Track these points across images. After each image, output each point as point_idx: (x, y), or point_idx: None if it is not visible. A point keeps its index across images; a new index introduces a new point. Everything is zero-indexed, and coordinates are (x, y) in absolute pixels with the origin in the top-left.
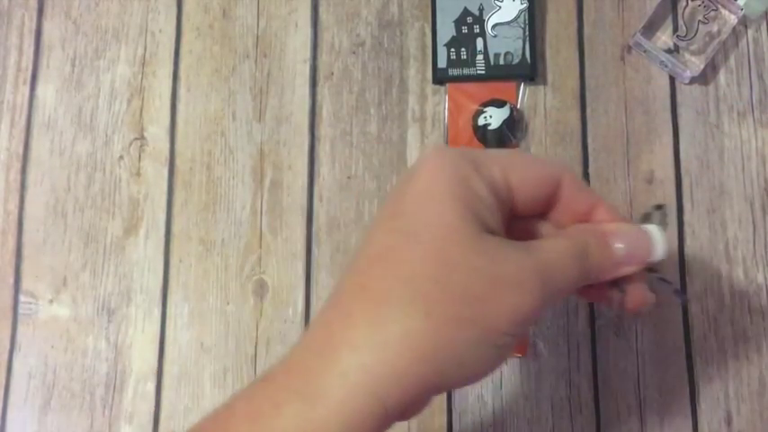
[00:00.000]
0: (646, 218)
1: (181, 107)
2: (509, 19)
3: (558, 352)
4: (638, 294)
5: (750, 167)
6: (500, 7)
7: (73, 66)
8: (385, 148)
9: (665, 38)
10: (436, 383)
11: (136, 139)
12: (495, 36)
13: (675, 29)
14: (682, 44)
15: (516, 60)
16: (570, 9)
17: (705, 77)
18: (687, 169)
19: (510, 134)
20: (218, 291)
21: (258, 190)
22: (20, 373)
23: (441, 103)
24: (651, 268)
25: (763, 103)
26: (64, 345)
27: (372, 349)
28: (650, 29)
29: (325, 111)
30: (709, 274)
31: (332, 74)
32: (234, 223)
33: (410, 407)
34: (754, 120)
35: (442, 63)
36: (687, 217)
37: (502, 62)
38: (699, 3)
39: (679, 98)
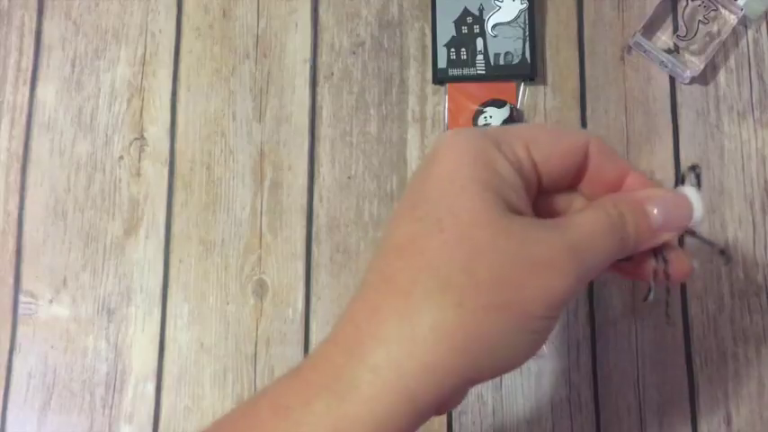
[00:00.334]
0: (680, 181)
1: (181, 107)
2: (509, 19)
3: (558, 352)
4: (681, 262)
5: (750, 167)
6: (500, 7)
7: (73, 66)
8: (385, 148)
9: (665, 38)
10: (471, 376)
11: (136, 139)
12: (495, 36)
13: (675, 29)
14: (682, 44)
15: (516, 60)
16: (570, 9)
17: (705, 77)
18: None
19: None
20: (218, 291)
21: (258, 190)
22: (20, 373)
23: (441, 103)
24: (690, 231)
25: (763, 103)
26: (64, 345)
27: (402, 344)
28: (650, 29)
29: (325, 111)
30: (709, 274)
31: (332, 74)
32: (234, 223)
33: (445, 401)
34: (754, 120)
35: (442, 63)
36: None
37: (502, 62)
38: (699, 3)
39: (679, 98)
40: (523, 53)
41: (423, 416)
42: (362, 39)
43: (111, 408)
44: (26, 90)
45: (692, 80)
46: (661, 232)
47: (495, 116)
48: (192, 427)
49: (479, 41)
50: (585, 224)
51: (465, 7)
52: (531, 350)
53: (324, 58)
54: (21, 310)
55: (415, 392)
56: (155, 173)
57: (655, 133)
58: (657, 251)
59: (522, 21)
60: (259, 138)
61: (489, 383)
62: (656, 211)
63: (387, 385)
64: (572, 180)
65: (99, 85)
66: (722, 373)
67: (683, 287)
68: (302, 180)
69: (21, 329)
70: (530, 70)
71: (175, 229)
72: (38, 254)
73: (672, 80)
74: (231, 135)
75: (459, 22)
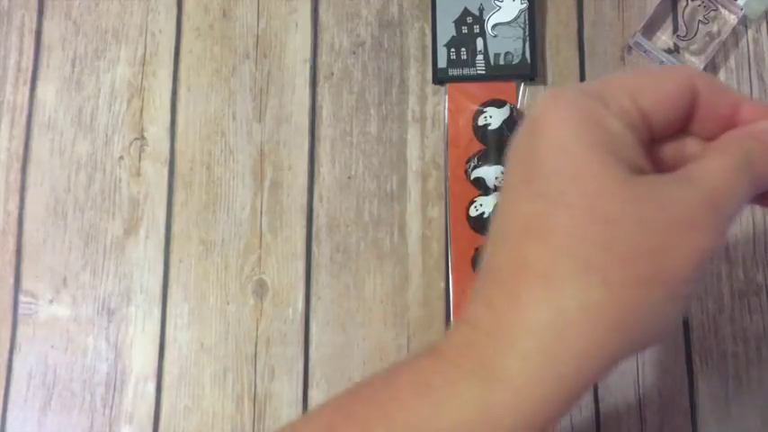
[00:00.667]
0: None
1: (181, 107)
2: (509, 19)
3: None
4: None
5: None
6: (500, 7)
7: (73, 66)
8: (385, 148)
9: (665, 38)
10: (623, 353)
11: (136, 139)
12: (495, 36)
13: (675, 29)
14: (682, 44)
15: (516, 60)
16: (570, 9)
17: None
18: None
19: (510, 134)
20: (218, 291)
21: (258, 190)
22: (20, 373)
23: (441, 103)
24: None
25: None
26: (64, 345)
27: (552, 330)
28: (650, 29)
29: (326, 111)
30: (709, 274)
31: (332, 74)
32: (234, 223)
33: (596, 381)
34: None
35: (442, 63)
36: None
37: (502, 62)
38: (699, 3)
39: None
40: (523, 53)
41: (572, 401)
42: (362, 39)
43: (112, 408)
44: (26, 90)
45: None
46: None
47: (495, 116)
48: (192, 427)
49: (479, 41)
50: (714, 171)
51: (465, 7)
52: (680, 316)
53: (324, 58)
54: (21, 310)
55: (568, 379)
56: (155, 173)
57: None
58: None
59: (522, 21)
60: (259, 138)
61: None
62: None
63: (540, 374)
64: (684, 122)
65: (99, 85)
66: (722, 373)
67: None
68: (302, 180)
69: (21, 329)
70: (530, 70)
71: (175, 228)
72: (38, 254)
73: None
74: (231, 135)
75: (459, 22)
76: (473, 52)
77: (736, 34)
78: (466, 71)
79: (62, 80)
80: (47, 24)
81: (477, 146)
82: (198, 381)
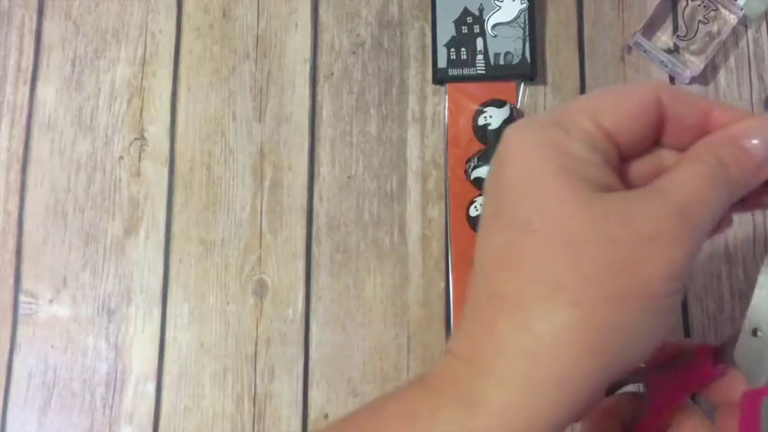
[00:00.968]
0: (765, 103)
1: (181, 107)
2: (509, 19)
3: None
4: None
5: None
6: (500, 7)
7: (73, 66)
8: (385, 148)
9: (665, 38)
10: (603, 376)
11: (136, 139)
12: (495, 36)
13: (675, 29)
14: (682, 44)
15: (516, 60)
16: (570, 9)
17: (705, 77)
18: None
19: None
20: (218, 291)
21: (258, 190)
22: (20, 373)
23: (441, 103)
24: None
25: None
26: (64, 345)
27: (527, 355)
28: (650, 29)
29: (326, 111)
30: (709, 274)
31: (332, 74)
32: (234, 223)
33: (582, 407)
34: None
35: (442, 63)
36: None
37: (502, 62)
38: (699, 3)
39: None
40: (523, 53)
41: (558, 427)
42: (362, 39)
43: (112, 408)
44: (26, 90)
45: (693, 80)
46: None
47: (495, 116)
48: (192, 427)
49: (479, 41)
50: (685, 181)
51: (465, 7)
52: (662, 332)
53: (324, 58)
54: (21, 310)
55: (548, 403)
56: (155, 173)
57: None
58: None
59: (522, 21)
60: (259, 138)
61: None
62: (755, 142)
63: (517, 398)
64: (653, 135)
65: (99, 85)
66: None
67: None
68: (302, 180)
69: (21, 329)
70: (530, 70)
71: (175, 229)
72: (38, 254)
73: (672, 80)
74: (231, 135)
75: (459, 22)
76: (473, 52)
77: (736, 34)
78: (466, 71)
79: (62, 80)
80: (47, 24)
81: (477, 146)
82: (198, 381)
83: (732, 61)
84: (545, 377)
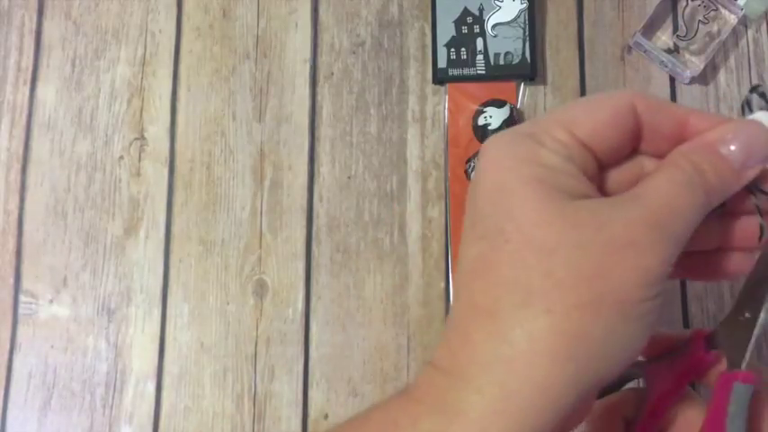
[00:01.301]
0: (746, 107)
1: (181, 107)
2: (509, 19)
3: None
4: None
5: None
6: (500, 7)
7: (73, 66)
8: (385, 148)
9: (665, 38)
10: (585, 383)
11: (136, 139)
12: (495, 36)
13: (675, 29)
14: (682, 44)
15: (516, 60)
16: (570, 9)
17: (705, 77)
18: None
19: None
20: (218, 291)
21: (258, 190)
22: (20, 373)
23: (441, 103)
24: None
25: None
26: (64, 345)
27: (503, 364)
28: (650, 29)
29: (325, 111)
30: None
31: (332, 74)
32: (234, 223)
33: (566, 416)
34: None
35: (442, 63)
36: None
37: (502, 62)
38: (699, 3)
39: (679, 98)
40: (523, 53)
41: None
42: (362, 39)
43: (112, 408)
44: (26, 90)
45: (692, 80)
46: (745, 170)
47: (495, 116)
48: (192, 427)
49: (479, 41)
50: (660, 188)
51: (465, 7)
52: (642, 338)
53: (324, 58)
54: (21, 310)
55: (526, 411)
56: (155, 173)
57: None
58: (752, 187)
59: (522, 21)
60: (259, 138)
61: None
62: (732, 148)
63: (494, 406)
64: (631, 143)
65: (99, 85)
66: None
67: (684, 287)
68: (302, 180)
69: (21, 329)
70: (530, 70)
71: (175, 229)
72: (38, 254)
73: (672, 80)
74: (231, 135)
75: (459, 22)
76: (473, 52)
77: (736, 34)
78: (466, 71)
79: (62, 80)
80: (47, 24)
81: (477, 146)
82: (198, 381)
83: (732, 61)
84: (521, 385)
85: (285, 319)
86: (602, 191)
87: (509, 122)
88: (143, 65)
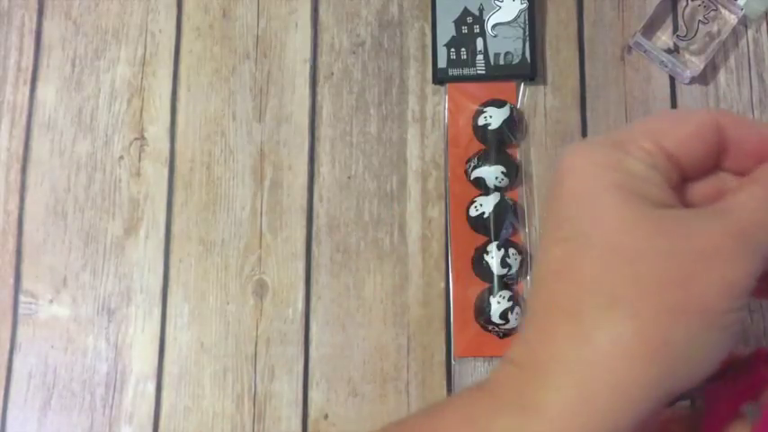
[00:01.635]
0: None
1: (181, 107)
2: (509, 19)
3: None
4: None
5: None
6: (500, 7)
7: (73, 66)
8: (385, 148)
9: (665, 38)
10: (665, 389)
11: (136, 139)
12: (495, 36)
13: (675, 29)
14: (682, 44)
15: (516, 60)
16: (570, 9)
17: (705, 77)
18: None
19: (510, 134)
20: (218, 291)
21: (258, 190)
22: (20, 373)
23: (441, 103)
24: None
25: (763, 104)
26: (64, 345)
27: (585, 365)
28: (650, 29)
29: (326, 111)
30: None
31: (332, 74)
32: (234, 223)
33: (639, 420)
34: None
35: (442, 63)
36: None
37: (502, 62)
38: (699, 3)
39: (679, 98)
40: (523, 53)
41: None
42: (362, 39)
43: (112, 408)
44: (26, 90)
45: (693, 80)
46: None
47: (495, 116)
48: (192, 427)
49: (479, 41)
50: (745, 203)
51: (465, 7)
52: (724, 348)
53: (324, 58)
54: (21, 310)
55: (603, 412)
56: (155, 173)
57: None
58: None
59: (522, 21)
60: (259, 138)
61: None
62: None
63: (573, 406)
64: (715, 158)
65: (99, 85)
66: None
67: None
68: (302, 180)
69: (21, 329)
70: (530, 70)
71: (175, 228)
72: (38, 254)
73: (672, 80)
74: (231, 135)
75: (459, 22)
76: (473, 52)
77: (736, 34)
78: (466, 71)
79: (62, 80)
80: (47, 24)
81: (477, 146)
82: (198, 381)
83: (732, 61)
84: (601, 386)
85: (285, 319)
86: (683, 203)
87: (509, 122)
88: (143, 65)
